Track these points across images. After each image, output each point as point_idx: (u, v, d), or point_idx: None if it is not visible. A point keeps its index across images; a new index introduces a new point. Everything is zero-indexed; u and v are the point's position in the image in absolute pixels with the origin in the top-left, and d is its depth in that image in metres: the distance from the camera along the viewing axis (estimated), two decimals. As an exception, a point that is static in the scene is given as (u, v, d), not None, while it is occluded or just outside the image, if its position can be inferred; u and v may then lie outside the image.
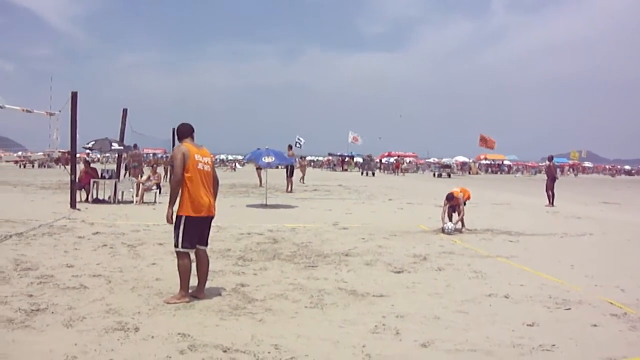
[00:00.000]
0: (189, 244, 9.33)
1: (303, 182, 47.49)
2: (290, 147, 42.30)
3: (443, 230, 18.56)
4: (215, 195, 9.76)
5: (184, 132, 9.68)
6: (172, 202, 9.30)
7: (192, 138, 9.71)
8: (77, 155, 26.49)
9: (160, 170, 34.24)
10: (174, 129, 32.65)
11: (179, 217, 9.28)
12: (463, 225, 19.05)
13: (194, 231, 9.34)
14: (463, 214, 19.03)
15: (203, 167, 9.44)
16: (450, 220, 19.13)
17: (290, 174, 37.55)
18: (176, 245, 9.34)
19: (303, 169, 52.31)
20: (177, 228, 9.30)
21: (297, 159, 64.02)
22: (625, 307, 9.55)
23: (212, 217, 9.69)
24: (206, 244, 9.76)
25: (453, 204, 19.19)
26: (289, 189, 37.07)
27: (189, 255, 9.41)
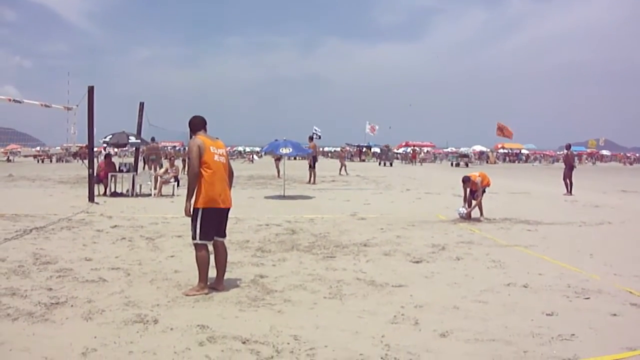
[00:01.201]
0: (206, 236, 9.36)
1: (346, 174, 47.63)
2: (311, 138, 42.23)
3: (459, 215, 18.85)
4: (230, 187, 9.78)
5: (197, 124, 9.71)
6: (189, 195, 9.31)
7: (205, 130, 9.73)
8: (95, 149, 26.61)
9: (178, 162, 34.33)
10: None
11: (195, 210, 9.31)
12: (482, 214, 19.03)
13: (211, 223, 9.37)
14: (480, 199, 19.03)
15: (219, 159, 9.45)
16: (470, 206, 19.15)
17: (312, 165, 37.49)
18: (194, 238, 9.38)
19: (342, 160, 52.03)
20: (194, 220, 9.34)
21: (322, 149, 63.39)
22: (645, 296, 9.50)
23: (229, 209, 9.72)
24: (224, 236, 9.79)
25: (472, 188, 19.19)
26: (312, 180, 37.02)
27: (207, 247, 9.43)
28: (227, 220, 9.83)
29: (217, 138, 9.77)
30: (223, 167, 9.53)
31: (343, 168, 49.40)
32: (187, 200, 9.36)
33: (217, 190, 9.31)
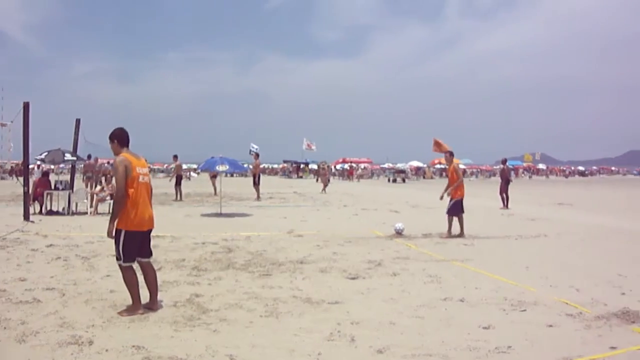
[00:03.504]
0: (129, 258, 9.20)
1: (325, 192, 47.24)
2: (257, 155, 42.27)
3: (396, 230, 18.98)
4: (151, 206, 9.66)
5: (123, 138, 9.45)
6: (114, 218, 9.12)
7: (128, 146, 9.54)
8: (31, 166, 26.30)
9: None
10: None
11: (118, 231, 9.12)
12: (462, 231, 19.13)
13: (133, 245, 9.20)
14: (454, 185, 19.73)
15: (143, 179, 9.32)
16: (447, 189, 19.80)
17: (256, 182, 37.59)
18: (118, 259, 9.23)
19: (324, 178, 51.33)
20: (117, 242, 9.17)
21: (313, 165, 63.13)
22: (580, 307, 9.64)
23: (151, 229, 9.62)
24: (149, 256, 9.66)
25: (449, 173, 20.32)
26: (257, 196, 37.19)
27: (133, 268, 9.29)
28: (150, 240, 9.70)
29: (139, 155, 9.61)
30: (147, 187, 9.42)
31: (324, 186, 49.01)
32: (110, 222, 9.16)
33: (141, 211, 9.15)
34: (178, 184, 36.02)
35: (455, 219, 19.29)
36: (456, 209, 19.26)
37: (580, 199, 42.69)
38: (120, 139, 9.43)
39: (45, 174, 28.98)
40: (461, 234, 18.85)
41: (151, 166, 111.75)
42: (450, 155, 20.23)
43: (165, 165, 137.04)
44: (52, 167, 48.83)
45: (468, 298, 10.28)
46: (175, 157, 38.24)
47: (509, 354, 7.32)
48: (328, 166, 63.53)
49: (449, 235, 18.78)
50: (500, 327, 8.50)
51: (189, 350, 7.37)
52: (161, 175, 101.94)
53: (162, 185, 41.45)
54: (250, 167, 48.49)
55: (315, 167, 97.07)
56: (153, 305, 9.41)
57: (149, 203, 9.47)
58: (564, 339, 7.97)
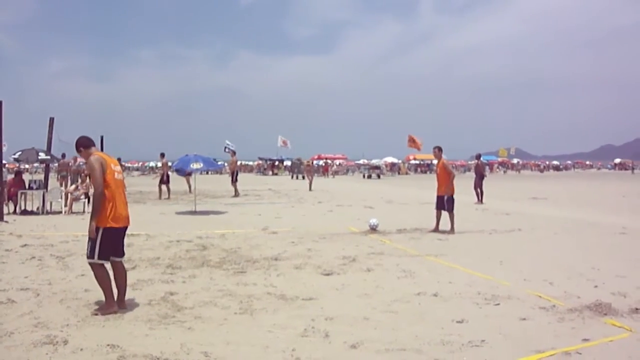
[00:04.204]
0: (104, 256, 9.14)
1: (310, 190, 46.45)
2: (233, 152, 42.21)
3: (370, 226, 18.93)
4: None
5: (88, 141, 9.44)
6: (96, 215, 9.01)
7: (95, 145, 9.53)
8: (6, 164, 26.09)
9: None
10: (102, 137, 32.28)
11: (96, 229, 9.05)
12: (437, 227, 19.14)
13: (109, 242, 9.15)
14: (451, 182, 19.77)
15: (118, 176, 9.31)
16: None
17: (234, 179, 37.82)
18: (91, 257, 9.13)
19: (310, 174, 50.46)
20: (94, 240, 9.10)
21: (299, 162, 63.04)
22: (553, 300, 9.70)
23: (127, 227, 9.58)
24: (122, 255, 9.60)
25: (438, 169, 20.17)
26: (236, 193, 37.37)
27: (105, 266, 9.23)
28: (124, 238, 9.66)
29: (110, 155, 9.59)
30: (122, 185, 9.41)
31: (310, 184, 48.34)
32: (92, 220, 9.05)
33: (119, 208, 9.12)
34: (166, 182, 35.84)
35: (436, 212, 19.46)
36: (452, 204, 19.32)
37: (555, 193, 42.95)
38: (84, 145, 9.40)
39: (19, 174, 28.78)
40: (436, 229, 18.90)
41: (126, 164, 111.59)
42: (439, 150, 20.11)
43: (140, 163, 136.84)
44: (27, 166, 48.46)
45: (442, 292, 10.30)
46: (162, 155, 38.11)
47: (483, 348, 7.34)
48: (312, 162, 62.84)
49: (450, 229, 18.94)
50: (473, 321, 8.52)
51: (164, 348, 7.35)
52: (136, 173, 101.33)
53: (138, 183, 41.28)
54: (226, 164, 48.14)
55: (289, 164, 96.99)
56: (121, 304, 9.33)
57: (125, 200, 9.46)
58: (537, 332, 8.01)
